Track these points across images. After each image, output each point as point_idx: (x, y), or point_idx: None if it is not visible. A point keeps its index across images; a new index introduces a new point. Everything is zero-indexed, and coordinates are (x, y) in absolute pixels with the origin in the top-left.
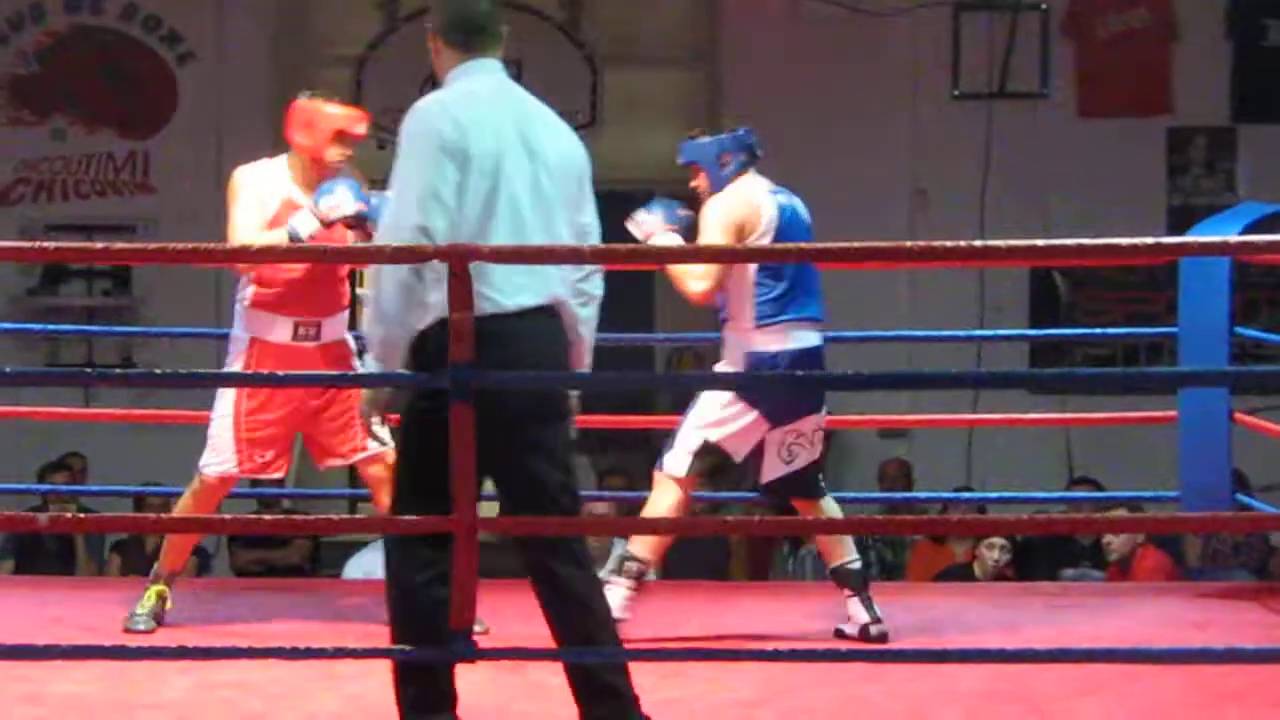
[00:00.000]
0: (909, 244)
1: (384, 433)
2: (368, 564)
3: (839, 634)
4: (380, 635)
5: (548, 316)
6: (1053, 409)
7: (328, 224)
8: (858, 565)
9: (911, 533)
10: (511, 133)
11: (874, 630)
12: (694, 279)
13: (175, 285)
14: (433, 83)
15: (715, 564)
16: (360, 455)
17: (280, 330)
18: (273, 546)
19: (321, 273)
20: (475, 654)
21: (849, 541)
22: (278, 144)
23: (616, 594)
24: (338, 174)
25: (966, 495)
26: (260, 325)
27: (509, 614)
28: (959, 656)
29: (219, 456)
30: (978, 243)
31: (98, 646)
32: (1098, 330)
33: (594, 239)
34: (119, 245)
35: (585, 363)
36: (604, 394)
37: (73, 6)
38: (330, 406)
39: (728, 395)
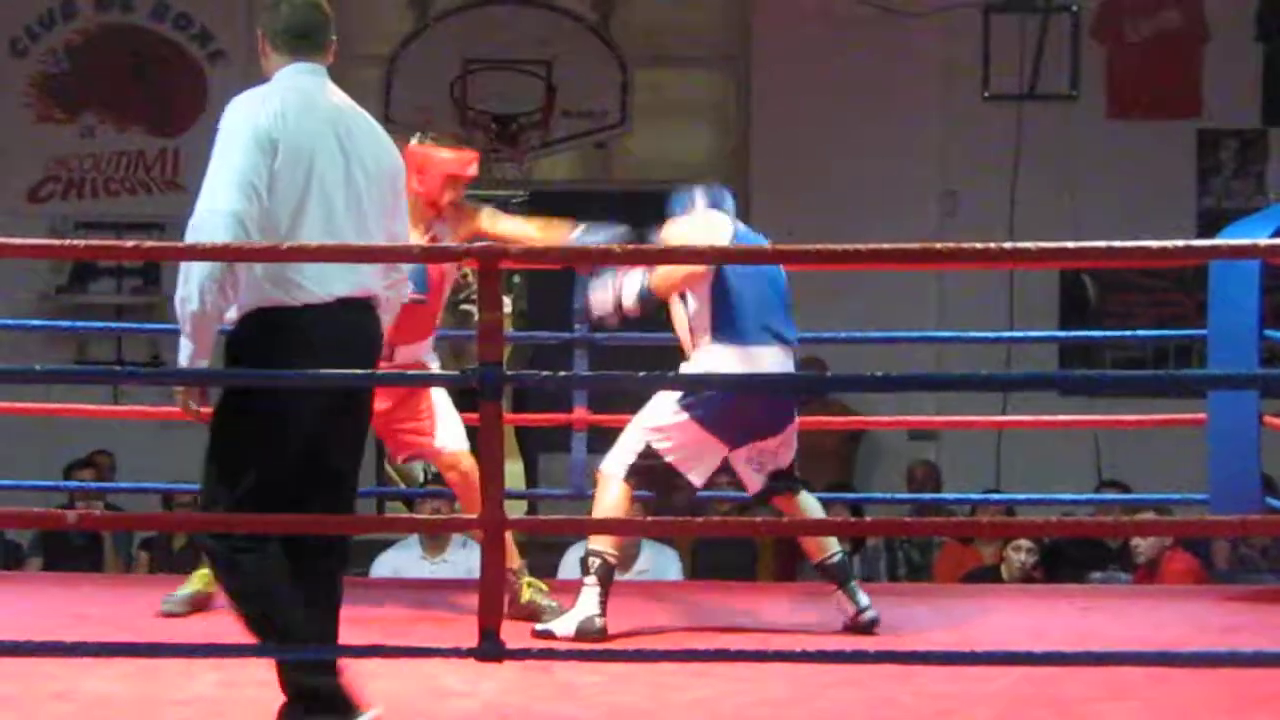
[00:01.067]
0: (938, 246)
1: (457, 433)
2: (395, 562)
3: (847, 629)
4: (408, 633)
5: (359, 309)
6: (1081, 411)
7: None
8: (839, 558)
9: (939, 534)
10: (327, 131)
11: (864, 618)
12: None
13: None
14: (464, 81)
15: (743, 565)
16: (432, 452)
17: None
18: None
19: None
20: (502, 653)
21: (830, 537)
22: None
23: (589, 595)
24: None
25: (995, 497)
26: None
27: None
28: (987, 658)
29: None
30: (1007, 245)
31: (126, 644)
32: (1127, 332)
33: (407, 237)
34: (149, 243)
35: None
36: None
37: (103, 5)
38: (399, 408)
39: (679, 412)
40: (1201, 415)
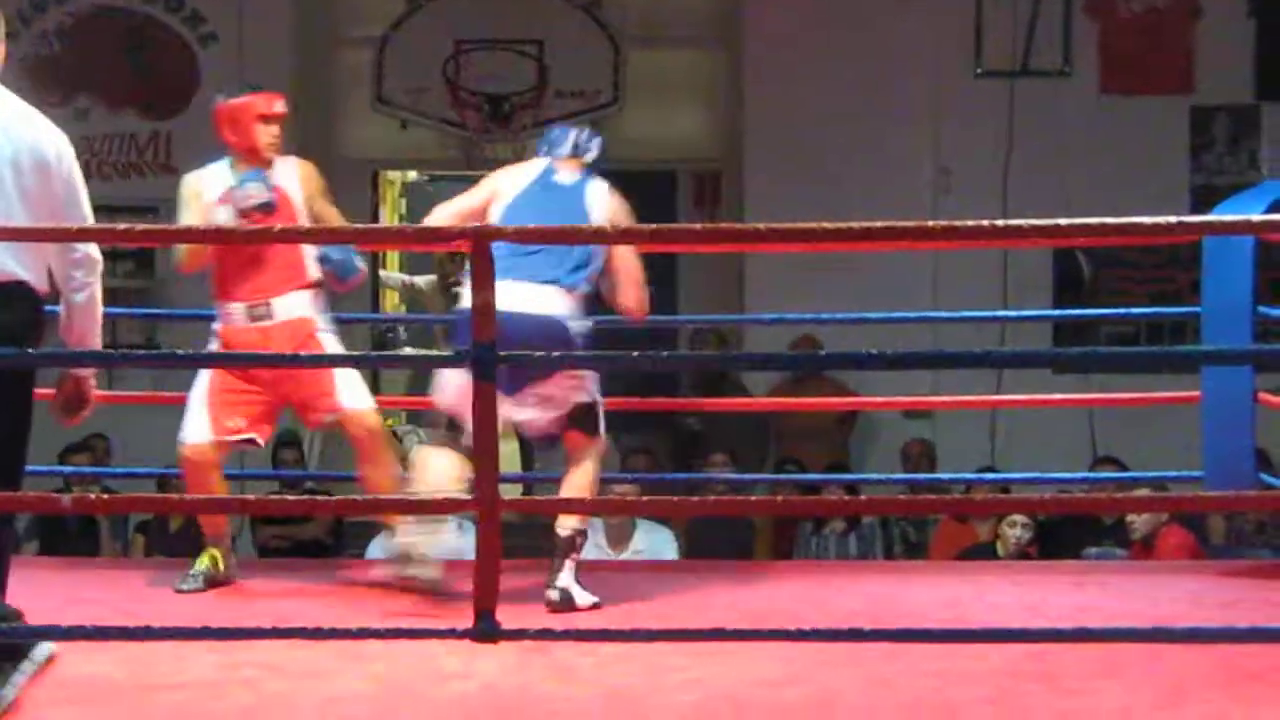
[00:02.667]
0: (931, 224)
1: (359, 392)
2: (390, 544)
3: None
4: (404, 615)
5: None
6: (1076, 389)
7: (244, 213)
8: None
9: (934, 512)
10: None
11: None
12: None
13: None
14: (456, 62)
15: (740, 543)
16: (332, 416)
17: (237, 315)
18: (295, 522)
19: (258, 256)
20: (498, 634)
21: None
22: (299, 124)
23: (567, 572)
24: (267, 164)
25: (990, 476)
26: (222, 313)
27: (536, 595)
28: (982, 636)
29: (194, 425)
30: (1000, 222)
31: (121, 627)
32: (1121, 310)
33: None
34: (141, 227)
35: (89, 343)
36: (624, 374)
37: None
38: (297, 373)
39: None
40: (1196, 392)
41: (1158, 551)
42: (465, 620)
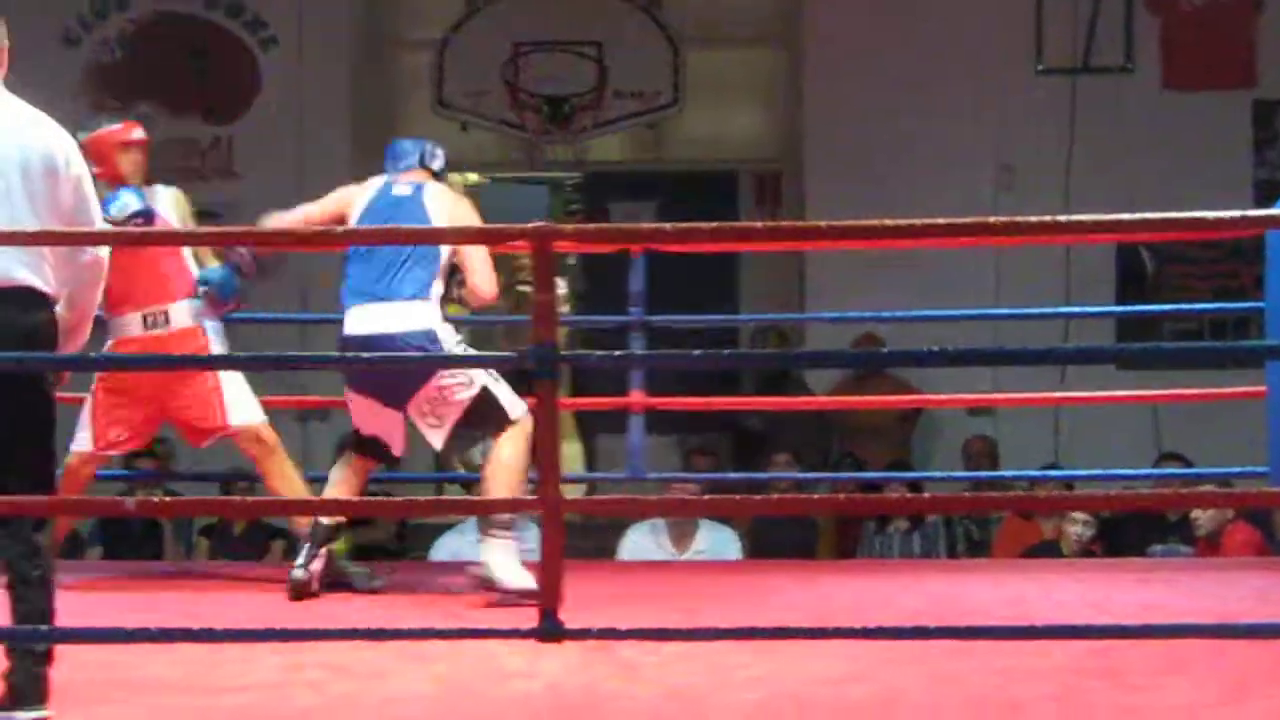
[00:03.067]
0: (992, 219)
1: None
2: (454, 545)
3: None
4: (468, 615)
5: (10, 299)
6: (1140, 385)
7: (122, 224)
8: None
9: (998, 510)
10: None
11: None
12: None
13: None
14: (515, 64)
15: (803, 543)
16: (220, 436)
17: (133, 325)
18: (358, 525)
19: (152, 266)
20: (561, 633)
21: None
22: (357, 128)
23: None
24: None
25: (1054, 473)
26: (117, 325)
27: (599, 594)
28: (1047, 633)
29: (81, 435)
30: (1062, 218)
31: (185, 629)
32: (1184, 305)
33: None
34: (202, 229)
35: (79, 343)
36: (687, 374)
37: None
38: (179, 393)
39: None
40: (1261, 388)
41: (1223, 548)
42: (529, 620)
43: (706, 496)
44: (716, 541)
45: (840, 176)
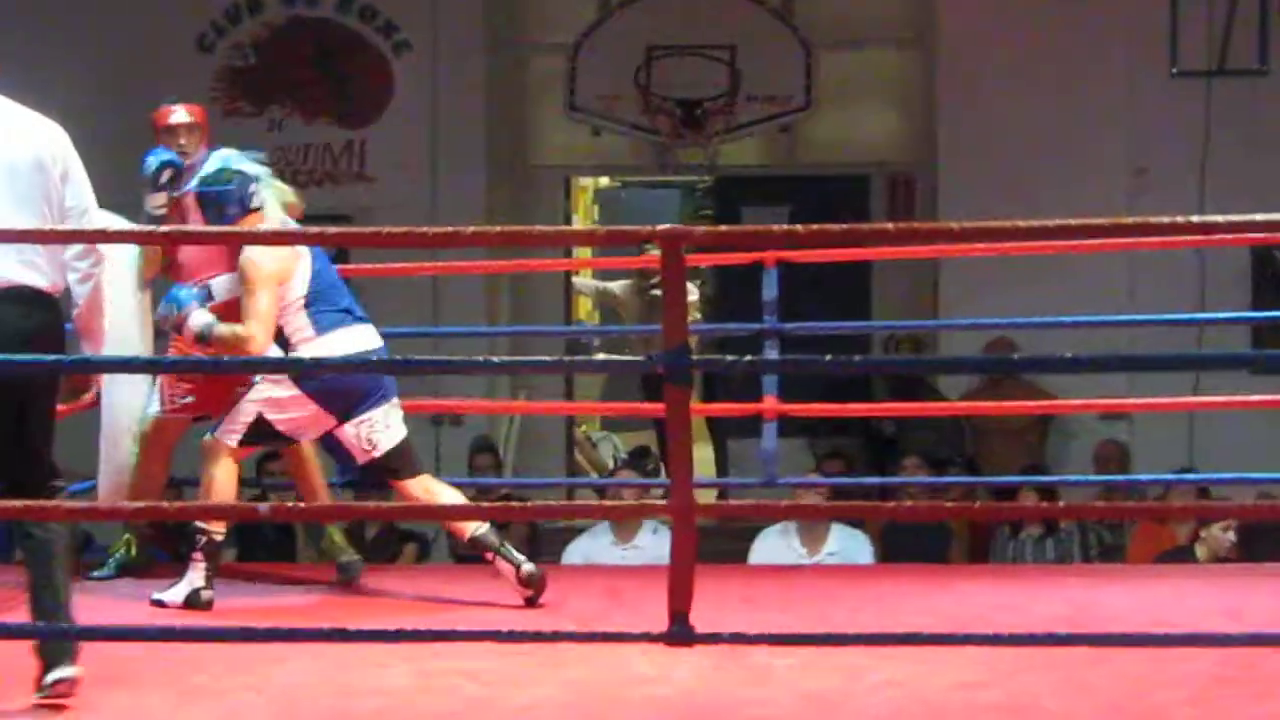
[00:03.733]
0: (1126, 220)
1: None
2: (586, 549)
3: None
4: (599, 620)
5: (9, 299)
6: (1276, 389)
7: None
8: (483, 529)
9: (1133, 518)
10: None
11: (523, 572)
12: (252, 341)
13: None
14: (648, 67)
15: (936, 547)
16: None
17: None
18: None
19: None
20: (693, 638)
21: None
22: (490, 132)
23: (197, 570)
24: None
25: (1189, 477)
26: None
27: (730, 598)
28: (1182, 640)
29: (151, 398)
30: (1195, 218)
31: (318, 630)
32: None
33: (83, 219)
34: (333, 230)
35: (94, 327)
36: (819, 380)
37: None
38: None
39: (291, 386)
40: None
41: None
42: (660, 625)
43: (838, 503)
44: (848, 544)
45: (973, 180)
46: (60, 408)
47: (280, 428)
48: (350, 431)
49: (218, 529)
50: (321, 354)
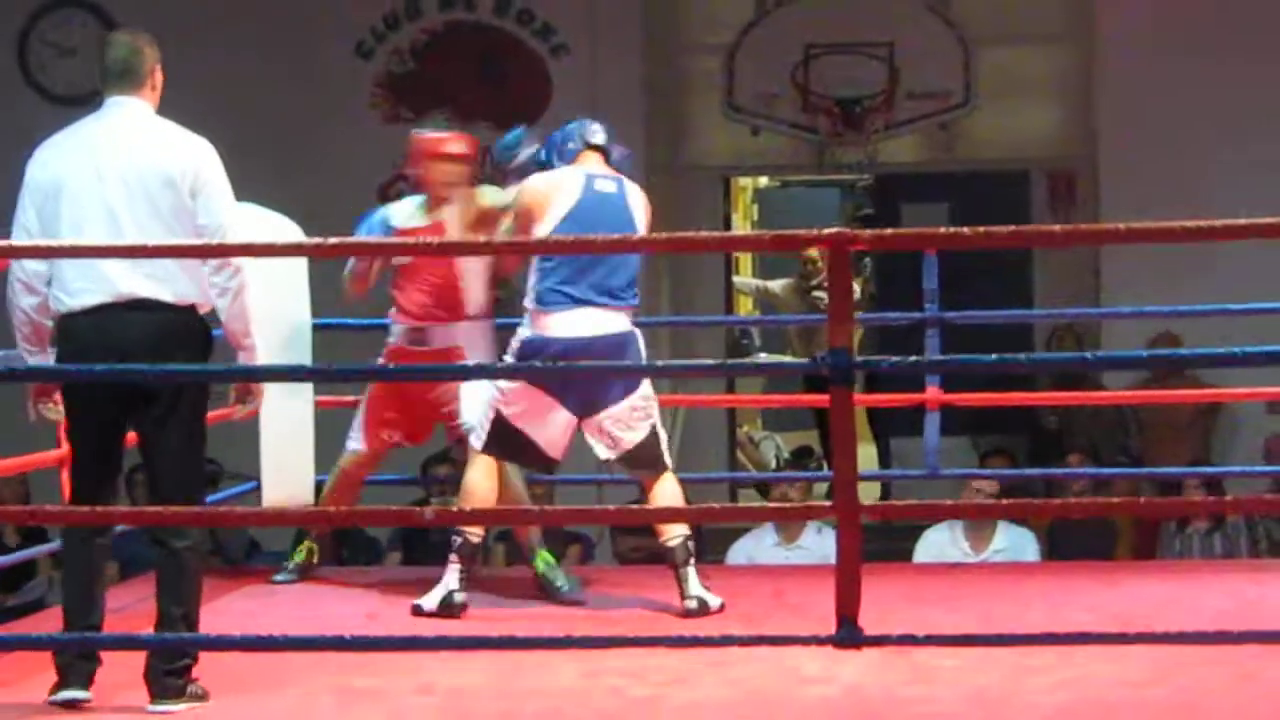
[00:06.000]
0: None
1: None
2: (749, 549)
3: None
4: (764, 620)
5: (123, 310)
6: None
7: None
8: (676, 542)
9: None
10: (82, 159)
11: (684, 605)
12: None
13: None
14: (805, 66)
15: (1102, 543)
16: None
17: (399, 334)
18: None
19: (417, 276)
20: (860, 640)
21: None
22: (650, 133)
23: (452, 573)
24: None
25: None
26: (394, 330)
27: (896, 596)
28: None
29: (353, 435)
30: None
31: (486, 637)
32: None
33: (223, 238)
34: (494, 240)
35: (241, 338)
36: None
37: (447, 3)
38: (448, 389)
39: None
40: None
41: None
42: (826, 626)
43: (1004, 501)
44: (1015, 541)
45: (1135, 174)
46: (224, 413)
47: (517, 423)
48: (593, 427)
49: (474, 531)
50: (538, 333)
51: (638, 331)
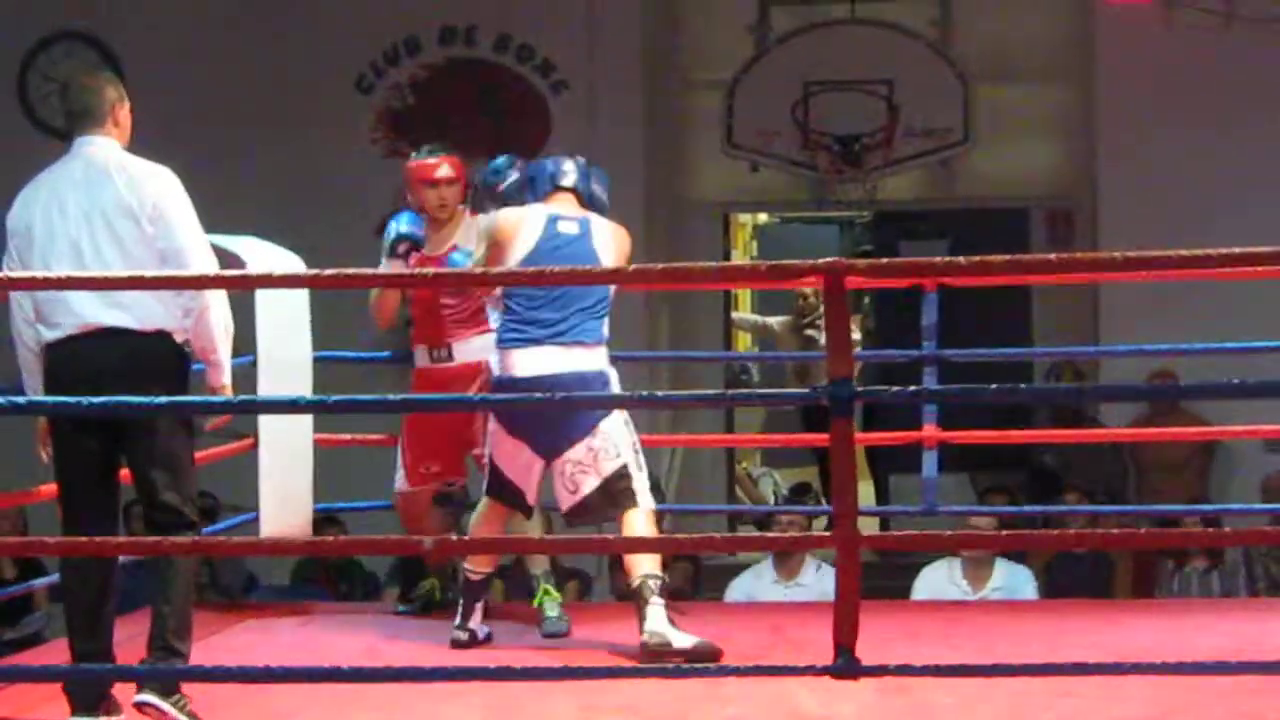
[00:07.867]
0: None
1: None
2: (748, 586)
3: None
4: (762, 655)
5: (92, 340)
6: None
7: (391, 255)
8: (638, 581)
9: None
10: (47, 199)
11: (642, 639)
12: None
13: None
14: (805, 103)
15: (1099, 582)
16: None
17: (421, 356)
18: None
19: (431, 297)
20: (858, 670)
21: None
22: (649, 170)
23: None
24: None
25: None
26: (416, 354)
27: (894, 633)
28: None
29: (398, 474)
30: None
31: (482, 668)
32: None
33: (181, 261)
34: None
35: (209, 357)
36: (979, 409)
37: (447, 39)
38: (475, 419)
39: (492, 420)
40: None
41: None
42: (825, 660)
43: (1004, 532)
44: (1013, 580)
45: (1135, 213)
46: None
47: (498, 463)
48: (558, 470)
49: (471, 570)
50: (505, 372)
51: (610, 371)
